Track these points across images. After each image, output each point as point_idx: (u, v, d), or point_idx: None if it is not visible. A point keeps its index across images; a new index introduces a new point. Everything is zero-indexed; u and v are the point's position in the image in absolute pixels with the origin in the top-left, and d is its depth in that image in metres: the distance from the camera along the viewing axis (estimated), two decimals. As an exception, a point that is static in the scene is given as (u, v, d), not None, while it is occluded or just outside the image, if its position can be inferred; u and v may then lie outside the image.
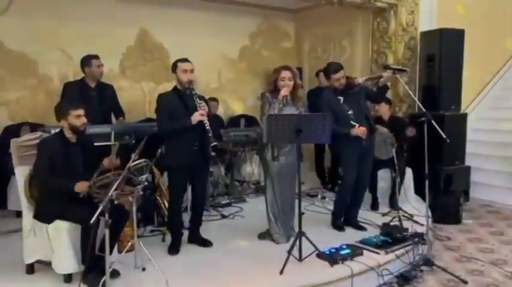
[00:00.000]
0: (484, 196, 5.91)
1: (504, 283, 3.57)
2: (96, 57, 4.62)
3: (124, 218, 3.30)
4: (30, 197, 3.32)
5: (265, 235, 4.05)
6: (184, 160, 3.65)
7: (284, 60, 6.40)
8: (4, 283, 3.20)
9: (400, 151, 5.09)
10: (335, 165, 5.73)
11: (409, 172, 5.25)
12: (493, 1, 6.84)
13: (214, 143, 3.57)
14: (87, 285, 3.00)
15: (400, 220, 4.37)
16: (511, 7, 7.02)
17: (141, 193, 3.45)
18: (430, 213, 4.15)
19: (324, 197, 5.56)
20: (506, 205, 5.67)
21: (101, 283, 2.87)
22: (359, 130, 4.06)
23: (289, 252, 3.39)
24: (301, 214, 3.53)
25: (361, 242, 3.79)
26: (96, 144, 3.56)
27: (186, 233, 3.95)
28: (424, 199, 4.15)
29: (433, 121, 3.83)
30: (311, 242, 3.46)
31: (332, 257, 3.43)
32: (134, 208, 3.33)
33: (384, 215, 4.77)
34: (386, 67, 4.33)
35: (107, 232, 2.75)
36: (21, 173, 3.31)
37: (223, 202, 5.30)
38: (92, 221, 2.66)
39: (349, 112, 4.12)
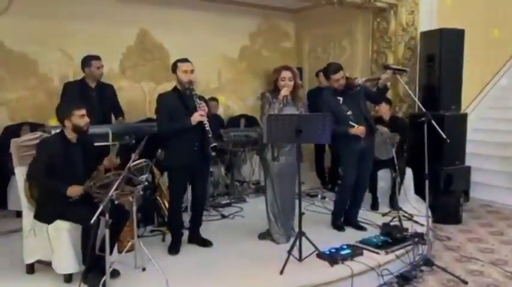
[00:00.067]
0: (484, 196, 5.90)
1: (504, 283, 3.57)
2: (97, 58, 4.62)
3: (124, 218, 3.30)
4: (30, 197, 3.32)
5: (265, 235, 4.05)
6: (184, 160, 3.65)
7: (284, 60, 6.39)
8: (4, 283, 3.20)
9: (400, 151, 5.09)
10: (335, 165, 5.73)
11: (409, 172, 5.25)
12: (493, 1, 6.84)
13: (214, 144, 3.57)
14: (88, 285, 3.00)
15: (400, 220, 4.37)
16: (511, 7, 7.03)
17: (141, 193, 3.45)
18: (430, 213, 4.14)
19: (324, 197, 5.56)
20: (506, 205, 5.67)
21: (101, 283, 2.87)
22: (358, 129, 4.06)
23: (289, 252, 3.39)
24: (301, 214, 3.53)
25: (361, 242, 3.80)
26: (96, 144, 3.56)
27: (186, 233, 3.95)
28: (424, 199, 4.15)
29: (433, 121, 3.82)
30: (311, 242, 3.46)
31: (332, 257, 3.43)
32: (134, 208, 3.33)
33: (384, 215, 4.77)
34: (386, 67, 4.33)
35: (107, 232, 2.76)
36: (21, 173, 3.31)
37: (224, 202, 5.30)
38: (92, 221, 2.66)
39: (348, 113, 4.13)
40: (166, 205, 4.26)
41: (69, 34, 5.48)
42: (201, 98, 3.75)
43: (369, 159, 4.32)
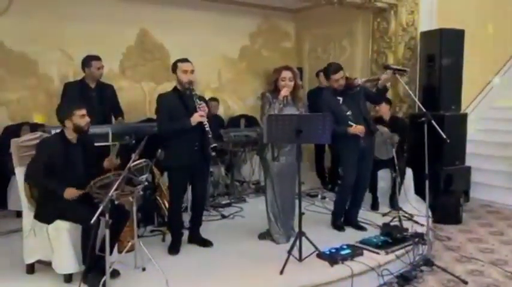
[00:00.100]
0: (484, 196, 5.90)
1: (504, 283, 3.56)
2: (97, 58, 4.61)
3: (124, 218, 3.30)
4: (30, 197, 3.32)
5: (265, 235, 4.05)
6: (184, 160, 3.65)
7: (284, 60, 6.39)
8: (4, 283, 3.20)
9: (400, 151, 5.09)
10: (335, 165, 5.73)
11: (409, 172, 5.25)
12: (493, 1, 6.84)
13: (214, 145, 3.57)
14: (88, 285, 3.00)
15: (400, 220, 4.37)
16: (511, 7, 7.03)
17: (141, 193, 3.46)
18: (430, 213, 4.14)
19: (324, 197, 5.56)
20: (506, 205, 5.67)
21: (101, 283, 2.87)
22: (356, 129, 4.06)
23: (289, 252, 3.39)
24: (301, 214, 3.53)
25: (361, 242, 3.79)
26: (96, 144, 3.56)
27: (186, 233, 3.95)
28: (424, 199, 4.15)
29: (433, 121, 3.82)
30: (311, 242, 3.46)
31: (332, 257, 3.43)
32: (134, 208, 3.33)
33: (384, 215, 4.77)
34: (386, 67, 4.32)
35: (107, 232, 2.76)
36: (21, 173, 3.31)
37: (224, 202, 5.30)
38: (92, 221, 2.67)
39: (348, 113, 4.13)
40: (166, 205, 4.26)
41: (69, 34, 5.48)
42: (201, 98, 3.75)
43: (369, 159, 4.32)
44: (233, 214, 4.92)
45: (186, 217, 4.04)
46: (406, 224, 4.33)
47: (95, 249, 3.07)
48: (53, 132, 3.53)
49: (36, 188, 3.28)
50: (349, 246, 3.64)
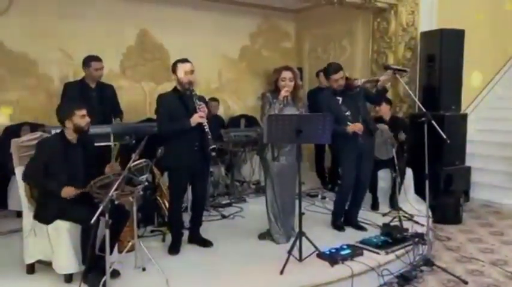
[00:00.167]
0: (484, 196, 5.91)
1: (504, 283, 3.56)
2: (97, 59, 4.59)
3: (124, 218, 3.30)
4: (30, 197, 3.32)
5: (265, 235, 4.05)
6: (184, 160, 3.65)
7: (284, 60, 6.40)
8: (4, 283, 3.20)
9: (400, 151, 5.09)
10: (335, 165, 5.72)
11: (409, 172, 5.25)
12: (493, 1, 6.84)
13: (213, 146, 3.57)
14: (88, 285, 3.00)
15: (400, 220, 4.38)
16: (511, 7, 7.02)
17: (141, 193, 3.45)
18: (430, 213, 4.14)
19: (324, 197, 5.57)
20: (506, 205, 5.66)
21: (101, 283, 2.87)
22: (354, 126, 4.06)
23: (290, 252, 3.39)
24: (301, 214, 3.54)
25: (361, 242, 3.80)
26: (96, 144, 3.56)
27: (186, 233, 3.95)
28: (424, 199, 4.15)
29: (433, 121, 3.82)
30: (311, 242, 3.46)
31: (332, 257, 3.43)
32: (134, 208, 3.33)
33: (384, 215, 4.77)
34: (386, 67, 4.33)
35: (107, 232, 2.76)
36: (21, 174, 3.30)
37: (224, 202, 5.30)
38: (92, 221, 2.67)
39: (347, 113, 4.13)
40: (167, 205, 4.25)
41: (70, 34, 5.48)
42: (201, 98, 3.74)
43: (369, 159, 4.32)
44: (233, 214, 4.92)
45: (186, 217, 4.04)
46: (406, 224, 4.33)
47: (95, 249, 3.07)
48: (53, 132, 3.53)
49: (36, 188, 3.28)
50: (349, 246, 3.64)
